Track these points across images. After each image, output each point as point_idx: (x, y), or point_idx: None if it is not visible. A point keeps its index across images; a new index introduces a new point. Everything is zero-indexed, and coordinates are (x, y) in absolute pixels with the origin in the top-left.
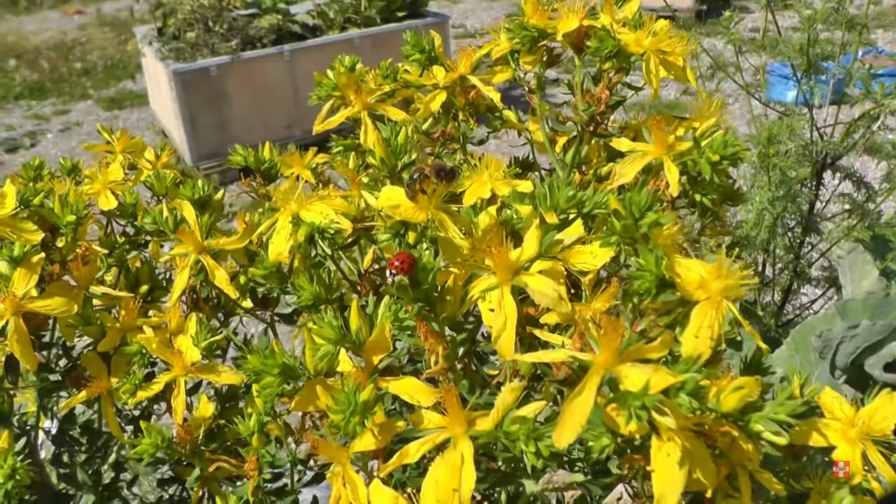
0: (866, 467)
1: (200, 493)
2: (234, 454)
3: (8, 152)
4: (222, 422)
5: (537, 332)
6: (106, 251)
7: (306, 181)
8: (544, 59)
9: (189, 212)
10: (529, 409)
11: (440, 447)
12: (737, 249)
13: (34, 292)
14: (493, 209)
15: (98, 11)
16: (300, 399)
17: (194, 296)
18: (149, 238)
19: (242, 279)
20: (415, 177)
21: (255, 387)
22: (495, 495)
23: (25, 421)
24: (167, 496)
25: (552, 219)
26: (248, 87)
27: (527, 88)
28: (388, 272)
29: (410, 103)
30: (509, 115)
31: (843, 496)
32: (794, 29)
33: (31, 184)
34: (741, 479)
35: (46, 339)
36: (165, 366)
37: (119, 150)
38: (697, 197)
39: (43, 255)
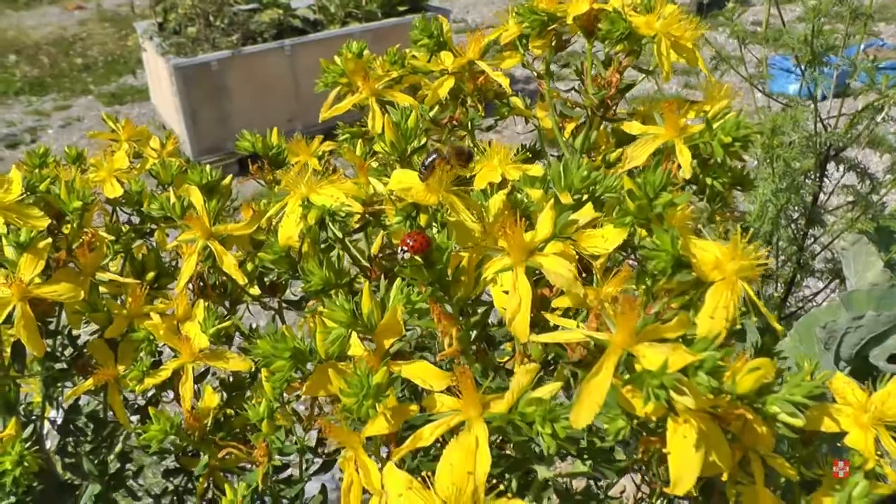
0: (879, 452)
1: (206, 484)
2: (242, 442)
3: (8, 148)
4: (229, 411)
5: (549, 316)
6: (112, 238)
7: (314, 170)
8: (553, 43)
9: (197, 197)
10: (545, 391)
11: (454, 430)
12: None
13: (40, 278)
14: (503, 193)
15: (98, 6)
16: (311, 383)
17: (201, 283)
18: (154, 227)
19: (250, 266)
20: (431, 158)
21: (264, 372)
22: (505, 481)
23: (31, 411)
24: (172, 487)
25: (566, 199)
26: (248, 81)
27: (535, 74)
28: (399, 250)
29: (418, 90)
30: (517, 101)
31: (856, 481)
32: (800, 19)
33: (36, 170)
34: (754, 463)
35: (52, 327)
36: (173, 353)
37: (124, 139)
38: (708, 180)
39: (49, 240)
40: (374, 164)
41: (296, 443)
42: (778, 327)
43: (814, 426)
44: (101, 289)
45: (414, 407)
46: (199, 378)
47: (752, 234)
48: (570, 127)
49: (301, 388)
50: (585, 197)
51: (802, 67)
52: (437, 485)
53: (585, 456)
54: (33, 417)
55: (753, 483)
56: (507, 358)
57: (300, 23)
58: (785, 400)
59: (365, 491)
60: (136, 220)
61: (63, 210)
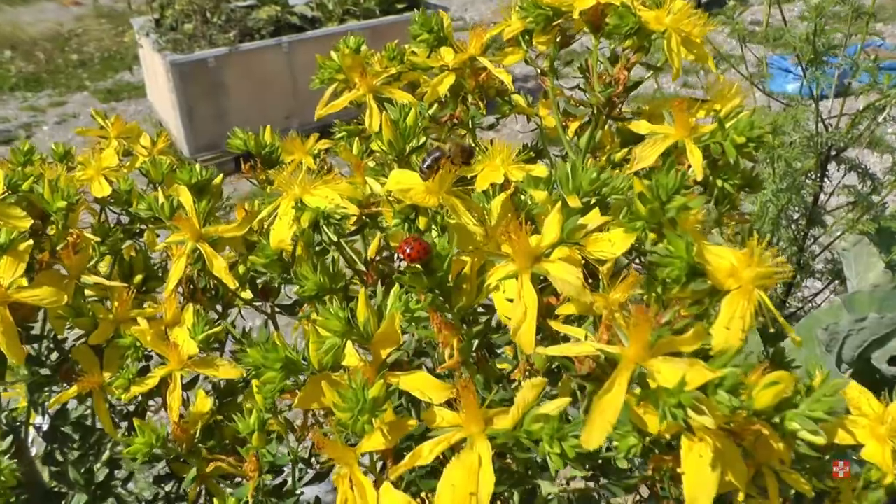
0: None
1: (198, 491)
2: (233, 452)
3: (3, 144)
4: (220, 418)
5: (555, 325)
6: (98, 239)
7: (308, 169)
8: (558, 39)
9: (186, 197)
10: (552, 407)
11: (455, 447)
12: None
13: (22, 282)
14: (505, 195)
15: (95, 2)
16: (304, 395)
17: (191, 286)
18: (144, 227)
19: (242, 269)
20: (435, 155)
21: (255, 382)
22: (506, 494)
23: (15, 417)
24: (163, 493)
25: (575, 202)
26: (246, 78)
27: (538, 71)
28: (396, 258)
29: (417, 87)
30: (519, 99)
31: (877, 498)
32: (802, 18)
33: (19, 168)
34: (768, 479)
35: (37, 331)
36: (161, 360)
37: (113, 136)
38: (719, 182)
39: (31, 242)
40: (372, 164)
41: (289, 453)
42: (795, 338)
43: (828, 439)
44: (88, 292)
45: (412, 421)
46: (189, 386)
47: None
48: (573, 126)
49: (293, 398)
50: (594, 200)
51: (803, 66)
52: None
53: (594, 472)
54: (17, 424)
55: (763, 497)
56: (508, 367)
57: (298, 20)
58: (805, 416)
59: None
60: (125, 220)
61: (47, 210)
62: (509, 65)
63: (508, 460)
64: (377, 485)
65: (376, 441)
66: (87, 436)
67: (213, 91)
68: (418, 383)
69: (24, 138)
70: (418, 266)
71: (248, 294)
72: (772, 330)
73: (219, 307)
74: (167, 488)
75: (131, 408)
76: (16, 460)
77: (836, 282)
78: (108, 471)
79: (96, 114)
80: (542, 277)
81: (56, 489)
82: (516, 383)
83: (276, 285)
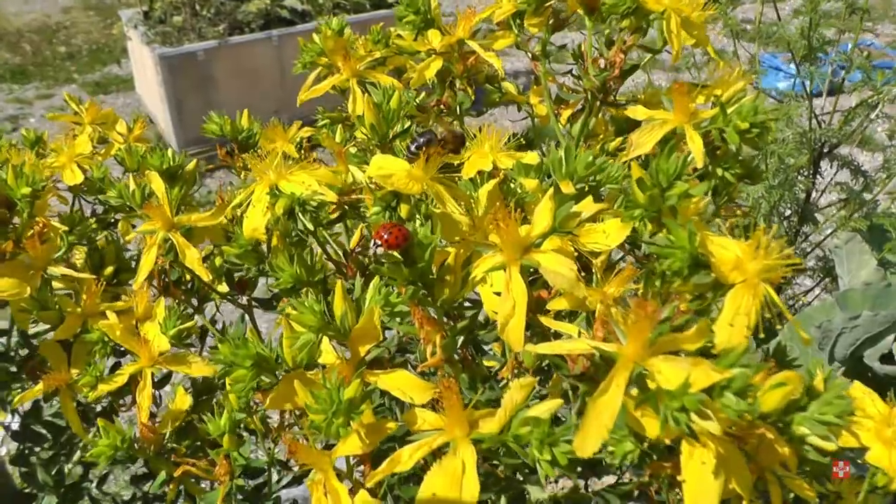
0: None
1: (178, 491)
2: (208, 453)
3: None
4: (195, 417)
5: (546, 321)
6: (66, 228)
7: (288, 156)
8: (551, 22)
9: (157, 183)
10: (543, 409)
11: (437, 452)
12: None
13: None
14: (493, 182)
15: None
16: (275, 396)
17: (165, 278)
18: (119, 216)
19: (218, 261)
20: (426, 138)
21: (227, 380)
22: (492, 500)
23: None
24: (141, 493)
25: (568, 188)
26: (235, 72)
27: (530, 55)
28: (373, 244)
29: (403, 73)
30: (509, 86)
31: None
32: (797, 12)
33: None
34: (771, 486)
35: (5, 325)
36: (133, 356)
37: (88, 122)
38: (719, 171)
39: None
40: (353, 150)
41: (265, 453)
42: (805, 336)
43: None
44: (57, 284)
45: (392, 424)
46: (160, 384)
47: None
48: (565, 114)
49: (264, 398)
50: (588, 187)
51: (797, 62)
52: None
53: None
54: None
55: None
56: (495, 365)
57: (288, 13)
58: (815, 420)
59: None
60: (100, 209)
61: (11, 197)
62: (499, 49)
63: (495, 462)
64: (354, 492)
65: (352, 445)
66: (58, 435)
67: (202, 84)
68: (399, 382)
69: (10, 130)
70: (397, 255)
71: (224, 287)
72: (779, 327)
73: (195, 301)
74: (145, 488)
75: (103, 407)
76: None
77: (825, 281)
78: (82, 471)
79: (70, 98)
80: (531, 269)
81: (26, 490)
82: (503, 382)
83: (253, 278)
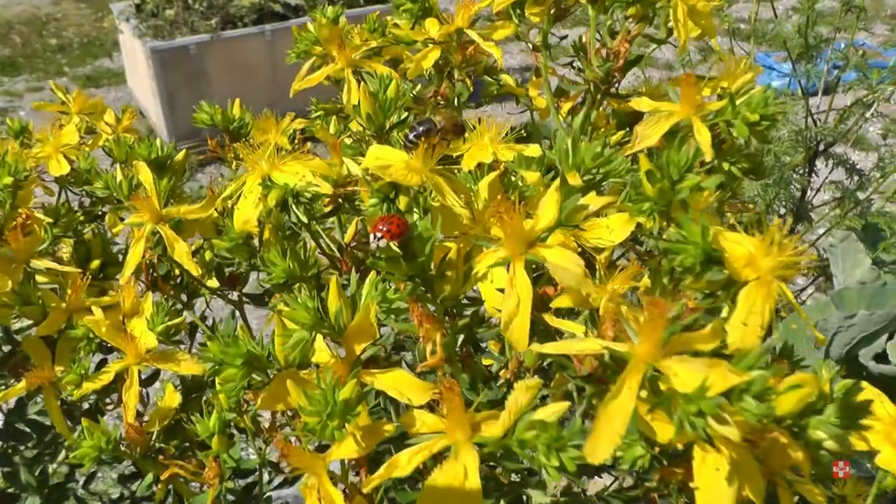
0: None
1: (165, 490)
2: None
3: None
4: (184, 416)
5: (550, 320)
6: (51, 220)
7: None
8: (552, 11)
9: (145, 174)
10: (549, 412)
11: (437, 456)
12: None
13: None
14: (494, 175)
15: None
16: (267, 396)
17: (153, 273)
18: (106, 208)
19: (208, 255)
20: (426, 127)
21: (217, 379)
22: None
23: None
24: (129, 493)
25: (575, 180)
26: (228, 66)
27: (530, 46)
28: (372, 237)
29: (399, 63)
30: (508, 79)
31: None
32: (794, 10)
33: None
34: (782, 491)
35: None
36: (119, 354)
37: (75, 112)
38: (726, 165)
39: None
40: (348, 141)
41: (256, 454)
42: (819, 336)
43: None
44: (41, 278)
45: (389, 426)
46: (148, 382)
47: None
48: (566, 106)
49: (256, 398)
50: (593, 181)
51: (793, 60)
52: None
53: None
54: None
55: None
56: (494, 364)
57: (281, 8)
58: (831, 424)
59: None
60: (87, 201)
61: None
62: (499, 39)
63: (492, 464)
64: (349, 497)
65: (348, 448)
66: (42, 434)
67: (194, 78)
68: (396, 382)
69: None
70: (396, 249)
71: (214, 282)
72: (794, 326)
73: (184, 296)
74: (133, 487)
75: (89, 405)
76: None
77: (818, 280)
78: (67, 470)
79: (56, 88)
80: (535, 265)
81: (9, 491)
82: (501, 381)
83: (243, 272)
